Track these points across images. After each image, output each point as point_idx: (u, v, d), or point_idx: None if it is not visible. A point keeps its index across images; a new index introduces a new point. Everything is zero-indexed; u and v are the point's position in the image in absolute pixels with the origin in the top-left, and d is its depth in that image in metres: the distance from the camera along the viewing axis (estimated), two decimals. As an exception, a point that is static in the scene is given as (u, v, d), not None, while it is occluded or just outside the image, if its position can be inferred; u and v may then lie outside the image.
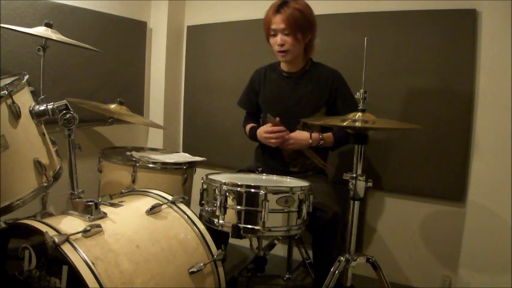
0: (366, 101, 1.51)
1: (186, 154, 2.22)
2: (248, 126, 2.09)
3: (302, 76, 1.96)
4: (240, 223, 1.47)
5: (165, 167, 1.94)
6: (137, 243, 1.23)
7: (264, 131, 1.90)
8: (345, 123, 1.47)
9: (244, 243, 1.77)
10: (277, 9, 1.83)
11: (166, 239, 1.32)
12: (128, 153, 2.03)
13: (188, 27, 2.92)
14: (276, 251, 2.10)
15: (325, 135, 1.89)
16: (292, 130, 1.91)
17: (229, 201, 1.48)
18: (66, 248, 1.08)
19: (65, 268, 1.10)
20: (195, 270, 1.30)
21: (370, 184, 1.53)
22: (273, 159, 2.00)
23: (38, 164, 1.26)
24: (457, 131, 2.08)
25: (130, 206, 1.44)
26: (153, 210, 1.37)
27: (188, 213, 1.45)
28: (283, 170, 1.94)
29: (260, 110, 2.11)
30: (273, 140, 1.87)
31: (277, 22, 1.83)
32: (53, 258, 1.12)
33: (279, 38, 1.84)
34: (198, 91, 2.90)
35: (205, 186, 1.59)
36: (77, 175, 1.33)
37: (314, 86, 1.93)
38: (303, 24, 1.83)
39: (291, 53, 1.87)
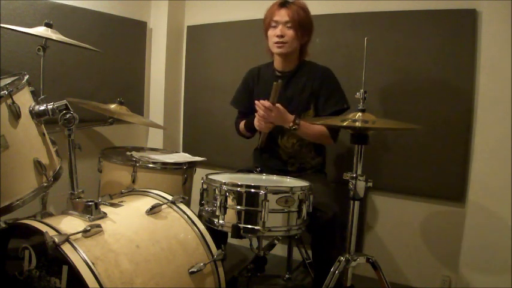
0: (365, 101, 1.51)
1: (186, 154, 2.22)
2: (242, 123, 2.08)
3: (293, 75, 1.97)
4: (240, 223, 1.47)
5: (165, 167, 1.94)
6: (137, 243, 1.23)
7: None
8: (345, 123, 1.47)
9: (244, 243, 1.77)
10: (283, 4, 1.89)
11: (166, 239, 1.32)
12: (128, 153, 2.03)
13: (188, 27, 2.92)
14: (276, 251, 2.11)
15: (302, 122, 1.83)
16: (283, 129, 1.92)
17: (229, 201, 1.48)
18: (66, 248, 1.08)
19: (65, 268, 1.10)
20: (195, 270, 1.30)
21: (370, 184, 1.53)
22: (271, 159, 2.00)
23: (38, 164, 1.26)
24: (457, 131, 2.08)
25: (131, 206, 1.44)
26: (153, 210, 1.37)
27: (188, 213, 1.45)
28: (281, 170, 1.94)
29: (253, 110, 2.10)
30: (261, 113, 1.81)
31: (282, 14, 1.87)
32: (53, 258, 1.12)
33: (279, 30, 1.87)
34: (198, 91, 2.90)
35: (205, 186, 1.59)
36: (77, 175, 1.33)
37: (303, 85, 1.94)
38: (305, 23, 1.88)
39: (287, 46, 1.89)
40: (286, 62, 1.97)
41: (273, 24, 1.89)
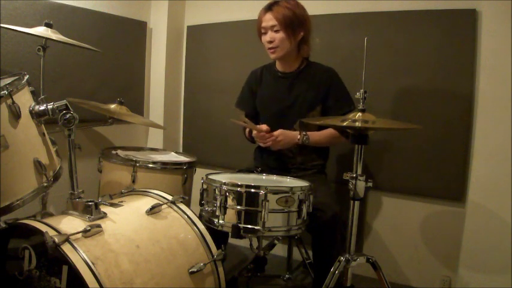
0: (365, 101, 1.50)
1: (173, 153, 2.22)
2: (247, 131, 2.08)
3: (297, 76, 1.97)
4: (240, 223, 1.47)
5: (165, 167, 1.94)
6: (137, 243, 1.23)
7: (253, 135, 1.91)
8: (345, 123, 1.47)
9: (244, 243, 1.77)
10: (268, 7, 1.88)
11: (166, 239, 1.32)
12: (115, 151, 2.03)
13: (188, 27, 2.92)
14: (276, 251, 2.11)
15: (309, 133, 1.88)
16: (289, 129, 1.92)
17: (229, 201, 1.48)
18: (66, 248, 1.08)
19: (65, 268, 1.10)
20: (195, 270, 1.30)
21: (370, 184, 1.53)
22: (271, 158, 2.00)
23: (38, 164, 1.26)
24: (457, 131, 2.08)
25: (131, 206, 1.44)
26: (153, 210, 1.37)
27: (188, 213, 1.45)
28: (282, 169, 1.94)
29: (257, 112, 2.11)
30: (261, 142, 1.88)
31: (267, 20, 1.87)
32: (53, 258, 1.12)
33: (268, 36, 1.88)
34: (198, 91, 2.90)
35: (205, 186, 1.59)
36: (77, 175, 1.33)
37: (309, 85, 1.94)
38: (293, 21, 1.85)
39: (280, 50, 1.88)
40: (287, 63, 1.97)
41: (263, 31, 1.90)
